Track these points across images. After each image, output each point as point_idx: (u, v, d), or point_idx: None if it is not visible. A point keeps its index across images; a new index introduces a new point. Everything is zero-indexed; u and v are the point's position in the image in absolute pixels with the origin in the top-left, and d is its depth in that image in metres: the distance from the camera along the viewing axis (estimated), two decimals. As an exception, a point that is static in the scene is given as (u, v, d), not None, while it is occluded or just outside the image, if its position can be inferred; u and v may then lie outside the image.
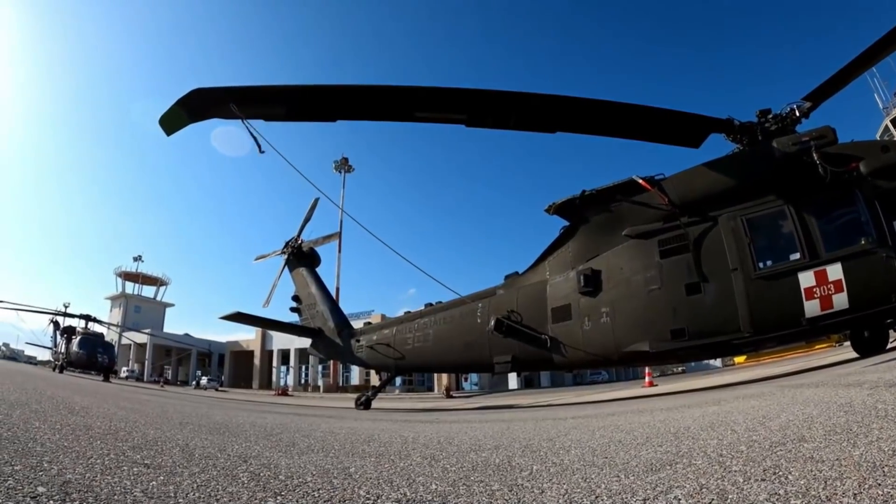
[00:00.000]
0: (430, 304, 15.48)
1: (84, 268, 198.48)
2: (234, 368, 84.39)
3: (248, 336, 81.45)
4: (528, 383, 59.08)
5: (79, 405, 7.19)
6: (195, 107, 10.36)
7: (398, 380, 51.28)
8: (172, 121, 10.49)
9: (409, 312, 16.49)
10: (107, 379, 36.89)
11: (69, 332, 45.57)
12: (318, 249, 21.29)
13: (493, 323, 12.39)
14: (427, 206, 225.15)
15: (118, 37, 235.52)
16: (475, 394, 46.20)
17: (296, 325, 20.22)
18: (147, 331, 77.77)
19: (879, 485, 1.99)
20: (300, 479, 2.91)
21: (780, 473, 2.33)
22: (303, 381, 74.20)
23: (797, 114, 10.30)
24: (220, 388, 56.65)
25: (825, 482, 2.09)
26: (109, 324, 65.68)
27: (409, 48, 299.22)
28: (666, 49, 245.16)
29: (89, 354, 42.10)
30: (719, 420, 4.55)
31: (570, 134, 14.05)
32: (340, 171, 71.50)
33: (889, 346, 10.68)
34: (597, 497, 2.33)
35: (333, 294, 21.53)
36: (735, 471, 2.52)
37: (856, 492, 1.93)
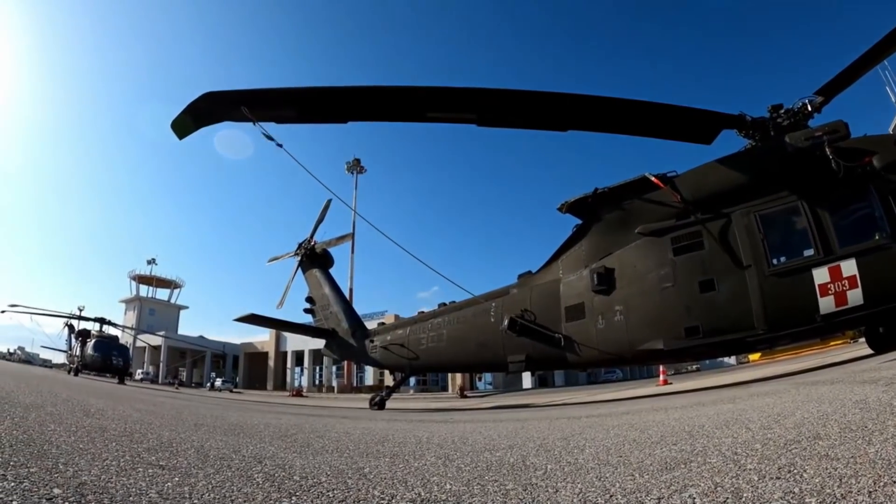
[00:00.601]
0: (444, 304, 15.50)
1: (98, 272, 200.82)
2: (249, 370, 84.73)
3: (262, 338, 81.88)
4: (542, 382, 58.85)
5: (94, 407, 7.25)
6: (207, 110, 10.41)
7: (412, 380, 51.30)
8: (184, 125, 10.54)
9: (422, 312, 16.51)
10: (121, 381, 37.14)
11: (84, 335, 46.10)
12: (332, 251, 21.36)
13: (506, 322, 12.39)
14: (441, 206, 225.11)
15: (114, 43, 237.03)
16: (489, 393, 46.16)
17: (310, 326, 20.31)
18: (161, 333, 78.35)
19: (895, 482, 1.97)
20: (315, 480, 2.92)
21: (795, 471, 2.33)
22: (317, 381, 74.35)
23: (809, 108, 10.21)
24: (234, 390, 56.87)
25: (840, 480, 2.09)
26: (124, 326, 66.34)
27: (415, 46, 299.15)
28: (676, 44, 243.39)
29: (104, 357, 42.47)
30: (734, 418, 4.52)
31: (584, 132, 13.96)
32: (353, 173, 71.86)
33: None
34: (611, 496, 2.33)
35: (347, 295, 21.59)
36: (750, 469, 2.51)
37: (871, 490, 1.92)
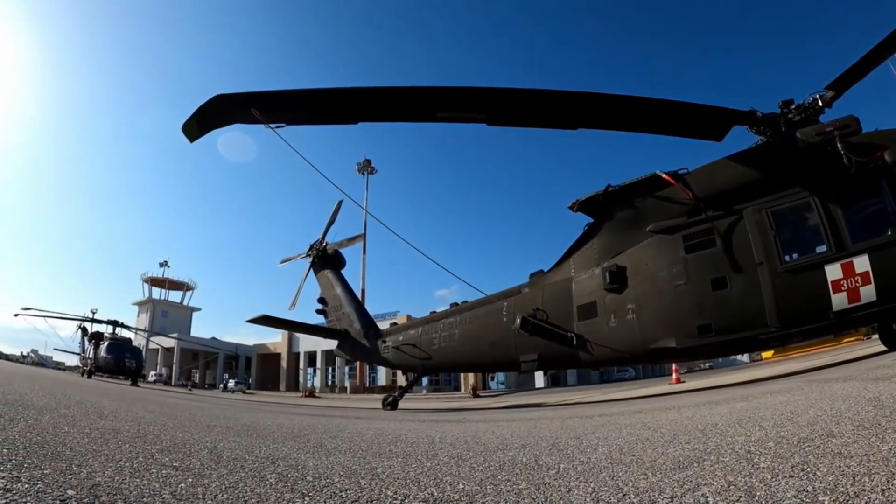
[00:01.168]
0: (456, 304, 15.51)
1: (112, 275, 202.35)
2: (261, 371, 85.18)
3: (274, 339, 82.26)
4: (554, 381, 58.74)
5: (107, 409, 7.31)
6: (217, 113, 10.47)
7: (425, 380, 51.42)
8: (195, 127, 10.62)
9: (434, 313, 16.53)
10: (135, 383, 37.34)
11: (97, 337, 46.37)
12: (343, 251, 21.40)
13: (518, 321, 12.36)
14: (454, 205, 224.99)
15: (113, 48, 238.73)
16: (502, 393, 46.09)
17: (322, 327, 20.38)
18: (174, 335, 79.02)
19: (910, 480, 1.96)
20: (328, 480, 2.94)
21: (809, 470, 2.32)
22: (329, 382, 74.62)
23: (820, 104, 10.12)
24: (247, 391, 57.10)
25: (853, 478, 2.08)
26: (137, 329, 66.80)
27: (421, 45, 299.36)
28: (685, 42, 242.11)
29: (117, 359, 42.68)
30: (747, 416, 4.50)
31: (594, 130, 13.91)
32: (363, 173, 72.19)
33: None
34: (624, 495, 2.33)
35: (359, 295, 21.62)
36: (763, 467, 2.50)
37: (884, 487, 1.91)
